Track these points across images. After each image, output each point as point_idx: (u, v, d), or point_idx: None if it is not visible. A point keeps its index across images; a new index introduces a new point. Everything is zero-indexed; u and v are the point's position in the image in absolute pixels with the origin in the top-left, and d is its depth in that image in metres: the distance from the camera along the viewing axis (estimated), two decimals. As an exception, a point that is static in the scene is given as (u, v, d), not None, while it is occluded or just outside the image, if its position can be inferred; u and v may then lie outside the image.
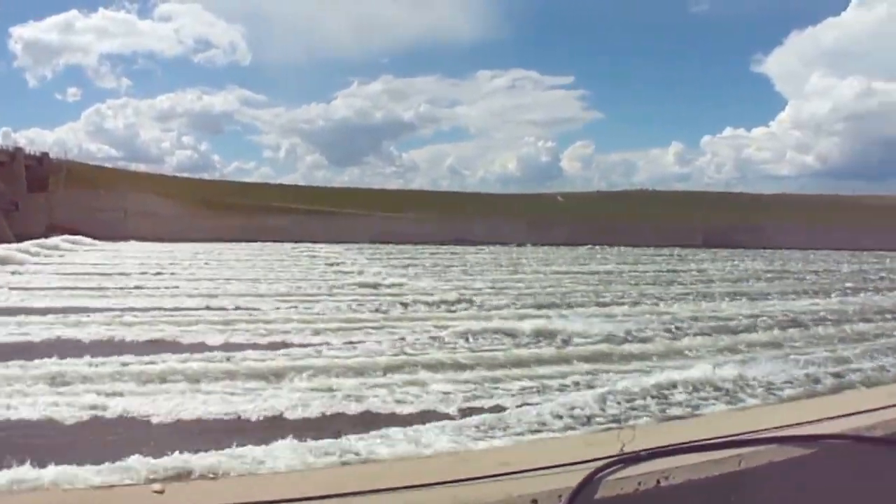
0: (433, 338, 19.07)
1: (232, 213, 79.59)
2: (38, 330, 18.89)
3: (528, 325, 20.61)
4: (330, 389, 13.57)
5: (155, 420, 11.86)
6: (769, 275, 42.99)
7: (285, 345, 17.53)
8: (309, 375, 14.43)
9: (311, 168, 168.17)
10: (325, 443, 10.60)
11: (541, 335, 19.60)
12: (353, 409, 12.70)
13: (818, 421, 2.47)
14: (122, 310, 22.67)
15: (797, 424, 2.42)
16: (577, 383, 14.85)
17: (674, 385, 14.11)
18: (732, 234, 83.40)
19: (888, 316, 24.64)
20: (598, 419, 12.37)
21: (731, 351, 18.39)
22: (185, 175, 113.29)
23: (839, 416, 2.53)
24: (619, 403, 13.27)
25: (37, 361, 14.91)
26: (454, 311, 24.10)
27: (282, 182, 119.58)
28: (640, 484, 1.92)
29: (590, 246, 71.40)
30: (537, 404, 13.18)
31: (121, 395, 12.90)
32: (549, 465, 1.92)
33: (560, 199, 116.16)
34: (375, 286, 31.37)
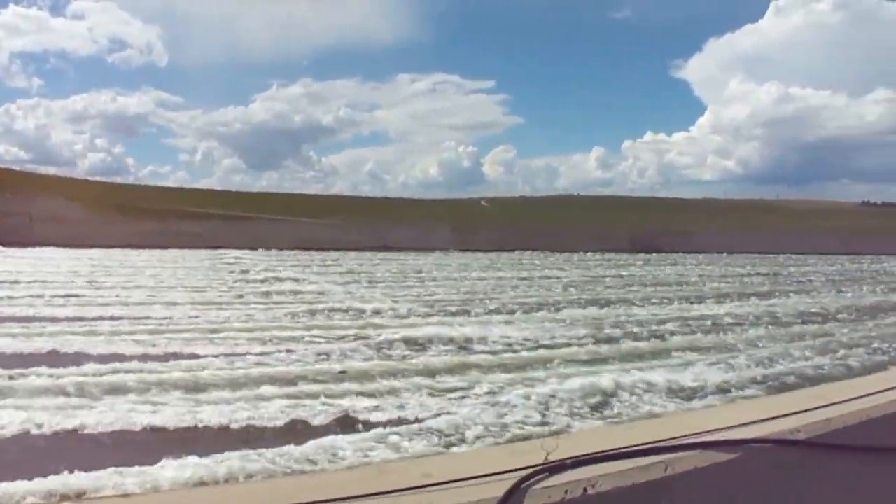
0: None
1: (146, 218, 77.46)
2: None
3: (430, 331, 20.47)
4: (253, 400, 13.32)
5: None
6: (695, 279, 44.03)
7: (175, 356, 17.11)
8: (226, 386, 14.13)
9: (229, 172, 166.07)
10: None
11: (453, 342, 19.54)
12: (280, 422, 12.47)
13: (742, 425, 2.53)
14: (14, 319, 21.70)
15: (721, 429, 2.47)
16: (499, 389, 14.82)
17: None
18: (660, 239, 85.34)
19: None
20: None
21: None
22: (98, 179, 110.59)
23: (762, 421, 2.61)
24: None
25: None
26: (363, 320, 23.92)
27: (198, 186, 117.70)
28: (566, 493, 1.92)
29: (518, 251, 72.10)
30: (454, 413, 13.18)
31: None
32: (473, 475, 1.91)
33: (484, 204, 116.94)
34: (289, 293, 31.08)
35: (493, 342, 18.98)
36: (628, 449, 2.16)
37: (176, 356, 16.71)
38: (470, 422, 11.75)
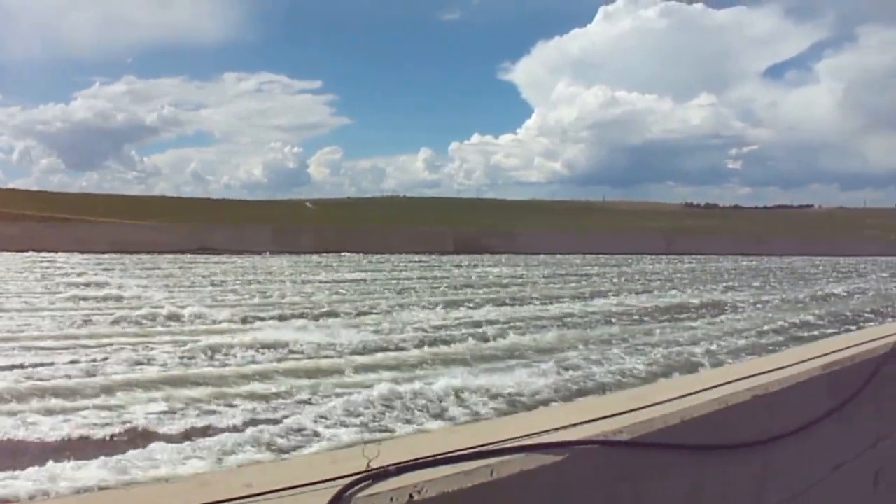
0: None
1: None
2: None
3: (248, 338, 20.23)
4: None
5: None
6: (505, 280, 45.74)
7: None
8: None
9: (47, 172, 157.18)
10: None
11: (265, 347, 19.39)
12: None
13: (567, 427, 2.65)
14: None
15: (547, 431, 2.58)
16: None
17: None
18: (484, 240, 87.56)
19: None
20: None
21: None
22: None
23: (587, 422, 2.74)
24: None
25: None
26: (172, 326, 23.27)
27: (13, 186, 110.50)
28: (391, 500, 1.95)
29: (338, 254, 71.90)
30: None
31: None
32: (295, 484, 1.91)
33: (309, 206, 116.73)
34: (99, 299, 29.80)
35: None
36: (454, 453, 2.22)
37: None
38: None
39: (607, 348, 20.31)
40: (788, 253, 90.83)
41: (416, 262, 64.37)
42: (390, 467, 2.05)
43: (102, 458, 10.61)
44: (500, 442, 2.38)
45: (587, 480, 2.57)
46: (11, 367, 16.33)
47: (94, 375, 15.72)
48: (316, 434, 12.24)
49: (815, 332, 24.07)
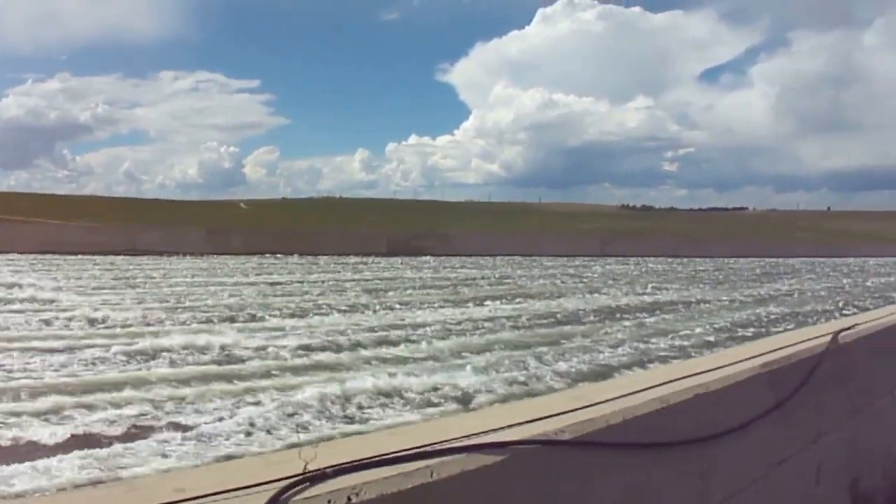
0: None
1: None
2: None
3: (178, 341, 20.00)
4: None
5: None
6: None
7: None
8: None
9: None
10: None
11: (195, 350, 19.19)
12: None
13: (508, 427, 2.65)
14: None
15: (487, 432, 2.58)
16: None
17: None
18: (418, 242, 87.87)
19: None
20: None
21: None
22: None
23: (528, 422, 2.75)
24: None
25: None
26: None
27: None
28: (328, 502, 1.94)
29: (271, 255, 71.48)
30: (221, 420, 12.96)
31: None
32: (229, 488, 1.88)
33: (243, 206, 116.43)
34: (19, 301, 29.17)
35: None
36: (393, 455, 2.20)
37: None
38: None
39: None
40: (723, 255, 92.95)
41: (351, 263, 64.37)
42: (328, 469, 2.03)
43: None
44: (440, 443, 2.38)
45: (528, 480, 2.57)
46: None
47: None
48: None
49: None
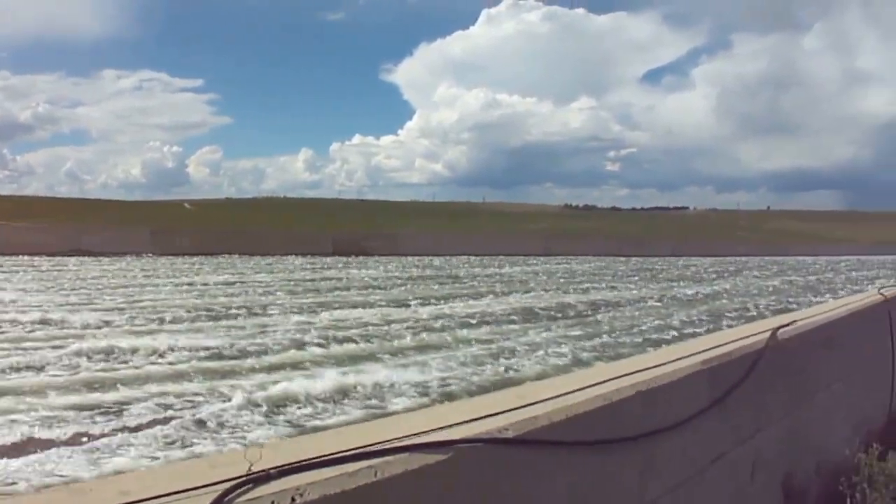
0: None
1: None
2: None
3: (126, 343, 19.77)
4: None
5: None
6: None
7: None
8: None
9: None
10: None
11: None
12: None
13: (452, 426, 2.68)
14: None
15: (431, 431, 2.59)
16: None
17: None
18: (364, 242, 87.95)
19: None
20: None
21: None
22: None
23: (472, 420, 2.78)
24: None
25: None
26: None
27: None
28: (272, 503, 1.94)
29: (225, 255, 71.02)
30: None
31: None
32: (173, 490, 1.89)
33: (188, 207, 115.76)
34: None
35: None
36: (337, 455, 2.21)
37: None
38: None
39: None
40: (666, 254, 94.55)
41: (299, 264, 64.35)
42: (272, 470, 2.04)
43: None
44: (384, 442, 2.40)
45: (471, 479, 2.60)
46: None
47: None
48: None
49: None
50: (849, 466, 6.08)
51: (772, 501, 5.47)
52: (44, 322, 24.19)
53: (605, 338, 24.13)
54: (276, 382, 15.73)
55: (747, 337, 5.41)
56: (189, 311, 28.31)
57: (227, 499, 1.89)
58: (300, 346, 20.98)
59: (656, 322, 28.65)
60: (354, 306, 31.63)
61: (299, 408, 14.12)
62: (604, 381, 3.64)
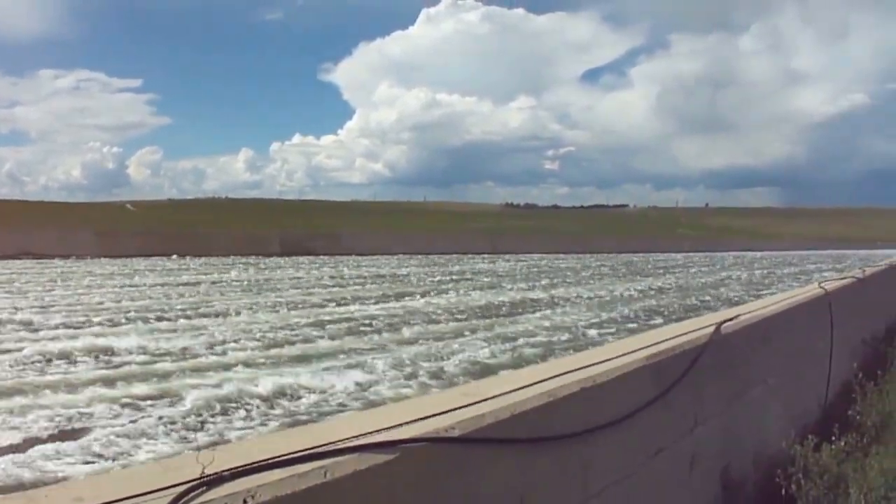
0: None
1: None
2: None
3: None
4: None
5: None
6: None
7: None
8: None
9: None
10: None
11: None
12: None
13: (399, 426, 2.73)
14: None
15: (380, 430, 2.64)
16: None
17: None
18: (310, 242, 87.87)
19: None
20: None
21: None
22: None
23: (419, 420, 2.83)
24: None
25: None
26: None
27: None
28: None
29: (169, 256, 70.28)
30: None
31: None
32: (127, 495, 1.92)
33: (130, 208, 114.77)
34: None
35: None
36: (288, 456, 2.23)
37: None
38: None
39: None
40: (610, 251, 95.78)
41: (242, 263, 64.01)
42: (224, 473, 2.07)
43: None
44: (333, 443, 2.44)
45: (419, 477, 2.65)
46: None
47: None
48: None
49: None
50: (785, 458, 6.24)
51: (710, 494, 5.61)
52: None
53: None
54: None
55: (692, 332, 5.53)
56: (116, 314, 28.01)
57: (181, 502, 1.92)
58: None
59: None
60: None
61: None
62: (549, 378, 3.71)
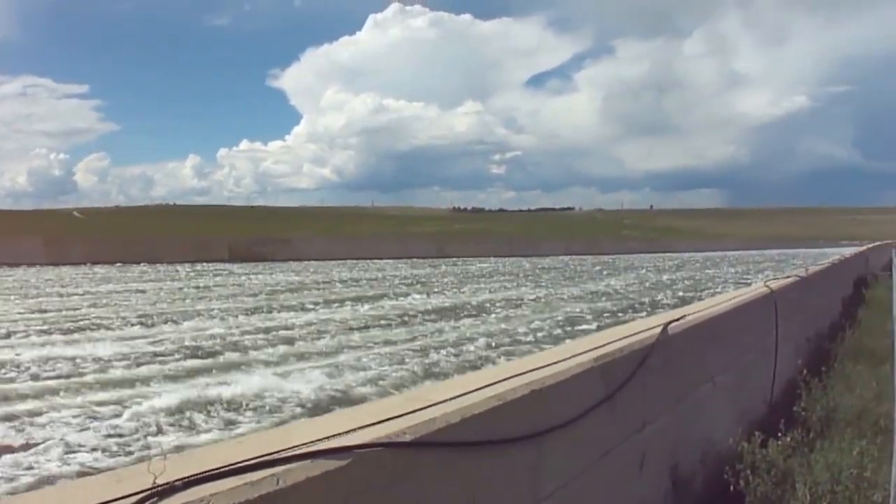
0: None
1: None
2: None
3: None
4: None
5: None
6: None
7: None
8: None
9: None
10: None
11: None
12: None
13: (351, 431, 2.75)
14: None
15: (331, 437, 2.66)
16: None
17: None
18: (259, 248, 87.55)
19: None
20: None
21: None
22: None
23: (370, 425, 2.86)
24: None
25: None
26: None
27: None
28: None
29: (120, 264, 69.42)
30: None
31: None
32: None
33: (77, 215, 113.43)
34: None
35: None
36: (241, 464, 2.23)
37: None
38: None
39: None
40: (557, 253, 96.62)
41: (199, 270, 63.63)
42: (177, 482, 2.06)
43: None
44: (286, 450, 2.44)
45: (371, 483, 2.68)
46: None
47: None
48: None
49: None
50: (733, 455, 6.38)
51: (660, 492, 5.71)
52: None
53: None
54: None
55: (640, 333, 5.62)
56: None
57: None
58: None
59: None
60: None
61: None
62: (499, 381, 3.76)
